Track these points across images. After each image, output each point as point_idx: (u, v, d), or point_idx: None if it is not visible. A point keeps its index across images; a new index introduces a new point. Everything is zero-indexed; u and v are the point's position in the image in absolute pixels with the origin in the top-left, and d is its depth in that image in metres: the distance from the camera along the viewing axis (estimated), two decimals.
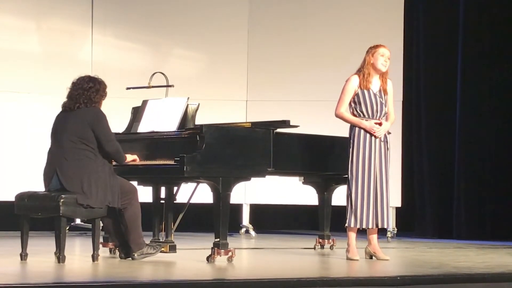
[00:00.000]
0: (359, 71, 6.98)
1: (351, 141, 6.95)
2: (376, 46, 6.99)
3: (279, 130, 6.78)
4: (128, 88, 7.59)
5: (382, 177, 6.91)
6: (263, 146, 6.60)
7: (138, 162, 6.62)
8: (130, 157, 6.56)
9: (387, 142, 6.99)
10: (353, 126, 6.96)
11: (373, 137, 6.91)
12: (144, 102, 7.12)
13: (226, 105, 10.11)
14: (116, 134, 6.58)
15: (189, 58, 10.39)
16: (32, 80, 9.68)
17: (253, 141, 6.56)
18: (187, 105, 6.83)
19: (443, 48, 10.45)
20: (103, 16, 10.01)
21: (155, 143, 6.77)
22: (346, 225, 6.95)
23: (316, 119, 9.28)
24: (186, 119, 6.79)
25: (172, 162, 6.29)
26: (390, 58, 7.01)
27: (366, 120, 6.93)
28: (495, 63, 10.20)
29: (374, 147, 6.92)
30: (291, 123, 6.77)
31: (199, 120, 6.76)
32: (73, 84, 6.39)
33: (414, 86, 10.58)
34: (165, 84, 7.24)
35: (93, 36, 9.97)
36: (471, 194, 10.14)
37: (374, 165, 6.90)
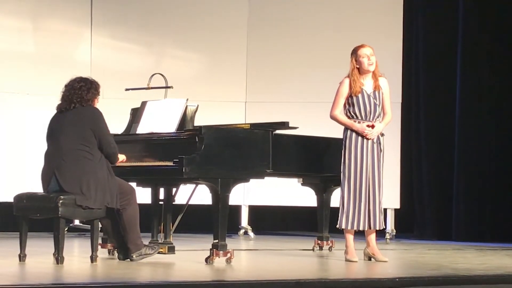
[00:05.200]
0: (349, 77, 7.00)
1: (344, 142, 6.97)
2: (356, 49, 6.98)
3: (278, 131, 6.78)
4: (127, 89, 7.58)
5: (375, 178, 6.92)
6: (262, 148, 6.60)
7: (126, 163, 6.62)
8: (121, 157, 6.57)
9: (380, 143, 6.99)
10: (346, 128, 6.98)
11: (365, 139, 6.92)
12: (143, 103, 7.12)
13: (225, 107, 10.10)
14: (115, 135, 6.59)
15: (189, 60, 10.39)
16: (31, 81, 9.68)
17: (252, 143, 6.56)
18: (186, 106, 6.83)
19: (443, 50, 10.45)
20: (102, 18, 10.02)
21: (154, 144, 6.77)
22: (338, 226, 6.97)
23: (315, 121, 9.26)
24: (185, 120, 6.79)
25: (171, 163, 6.28)
26: (375, 54, 6.99)
27: (359, 122, 6.94)
28: (495, 64, 10.20)
29: (366, 149, 6.92)
30: (290, 125, 6.77)
31: (198, 122, 6.76)
32: (65, 86, 6.43)
33: (413, 87, 10.58)
34: (164, 85, 7.23)
35: (92, 37, 9.98)
36: (470, 195, 10.14)
37: (366, 167, 6.90)
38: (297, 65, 10.27)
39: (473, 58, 10.20)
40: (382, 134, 7.03)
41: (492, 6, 10.20)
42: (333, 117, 7.02)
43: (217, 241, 6.39)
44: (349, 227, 6.92)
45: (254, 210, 10.45)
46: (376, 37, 9.37)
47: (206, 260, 6.41)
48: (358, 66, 6.96)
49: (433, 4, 10.54)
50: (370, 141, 6.93)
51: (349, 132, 6.96)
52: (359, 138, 6.93)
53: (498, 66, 10.20)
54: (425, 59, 10.50)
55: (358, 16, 10.20)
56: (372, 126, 6.92)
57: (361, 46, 7.00)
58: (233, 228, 10.01)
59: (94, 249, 6.28)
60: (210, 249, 6.41)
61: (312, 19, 10.30)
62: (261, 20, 10.44)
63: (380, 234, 7.74)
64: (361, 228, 6.93)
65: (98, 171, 6.22)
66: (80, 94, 6.33)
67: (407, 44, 10.33)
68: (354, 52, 6.98)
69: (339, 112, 7.00)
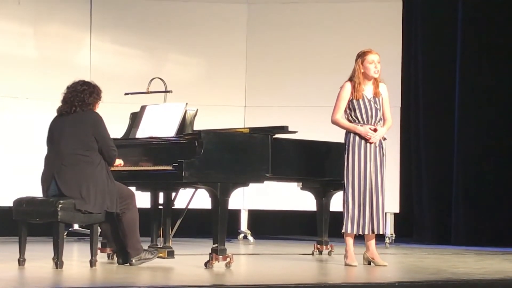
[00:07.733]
0: (351, 80, 6.99)
1: (347, 147, 6.97)
2: (364, 54, 6.96)
3: (277, 135, 6.78)
4: (126, 94, 7.59)
5: (378, 182, 6.92)
6: (262, 152, 6.60)
7: (125, 167, 6.64)
8: (117, 161, 6.56)
9: (382, 147, 6.99)
10: (348, 132, 6.98)
11: (368, 143, 6.92)
12: (143, 108, 7.13)
13: (225, 111, 10.11)
14: (115, 139, 6.58)
15: (188, 64, 10.39)
16: (30, 85, 9.68)
17: (252, 147, 6.56)
18: (186, 110, 6.83)
19: (441, 54, 10.45)
20: (102, 22, 10.02)
21: (153, 149, 6.77)
22: (343, 231, 6.96)
23: (315, 125, 9.27)
24: (184, 124, 6.80)
25: (170, 168, 6.29)
26: (381, 62, 6.99)
27: (361, 126, 6.93)
28: (494, 68, 10.20)
29: (370, 152, 6.92)
30: (290, 129, 6.77)
31: (198, 126, 6.77)
32: (67, 88, 6.42)
33: (412, 91, 10.58)
34: (164, 89, 7.24)
35: (91, 41, 9.98)
36: (469, 200, 10.13)
37: (370, 171, 6.90)
38: (296, 70, 10.27)
39: (472, 63, 10.20)
40: (384, 138, 7.03)
41: (491, 11, 10.20)
42: (334, 122, 7.01)
43: (216, 245, 6.39)
44: (354, 232, 6.92)
45: (254, 215, 10.45)
46: (375, 42, 9.34)
47: (206, 264, 6.41)
48: (363, 71, 6.95)
49: (432, 9, 10.54)
50: (373, 145, 6.92)
51: (351, 136, 6.95)
52: (362, 142, 6.92)
53: (497, 70, 10.20)
54: (424, 63, 10.50)
55: (357, 21, 10.20)
56: (375, 130, 6.92)
57: (369, 51, 6.97)
58: (233, 232, 10.01)
59: (93, 253, 6.27)
60: (210, 254, 6.41)
61: (311, 24, 10.30)
62: (260, 24, 10.44)
63: (380, 238, 7.74)
64: (365, 232, 6.92)
65: (98, 176, 6.22)
66: (82, 98, 6.32)
67: (406, 49, 10.33)
68: (361, 56, 6.95)
69: (341, 116, 6.99)
